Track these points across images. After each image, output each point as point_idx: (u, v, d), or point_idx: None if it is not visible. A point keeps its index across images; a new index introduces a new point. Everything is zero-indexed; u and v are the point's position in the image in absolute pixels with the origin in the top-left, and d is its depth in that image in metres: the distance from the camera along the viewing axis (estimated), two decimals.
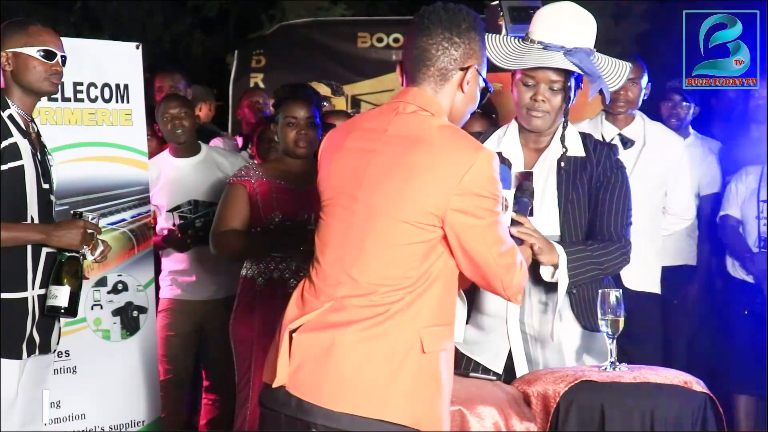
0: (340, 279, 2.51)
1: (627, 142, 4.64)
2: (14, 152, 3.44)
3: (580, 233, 3.24)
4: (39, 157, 3.55)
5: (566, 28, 3.17)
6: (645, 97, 4.73)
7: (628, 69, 3.26)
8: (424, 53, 2.55)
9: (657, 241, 4.69)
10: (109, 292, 4.53)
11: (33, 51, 3.55)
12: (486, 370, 3.25)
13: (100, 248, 3.60)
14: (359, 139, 2.59)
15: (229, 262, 4.78)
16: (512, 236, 2.85)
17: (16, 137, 3.47)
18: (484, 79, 2.63)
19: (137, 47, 4.68)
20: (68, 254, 3.49)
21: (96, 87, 4.53)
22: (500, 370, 3.24)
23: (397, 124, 2.55)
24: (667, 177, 4.68)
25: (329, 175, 2.60)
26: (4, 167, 3.41)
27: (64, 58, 3.62)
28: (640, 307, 4.52)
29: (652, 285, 4.67)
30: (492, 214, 2.51)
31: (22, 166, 3.45)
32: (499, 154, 3.26)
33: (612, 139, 4.62)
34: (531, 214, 3.09)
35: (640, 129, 4.68)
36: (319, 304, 2.52)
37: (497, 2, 5.11)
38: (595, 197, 3.26)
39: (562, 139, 3.24)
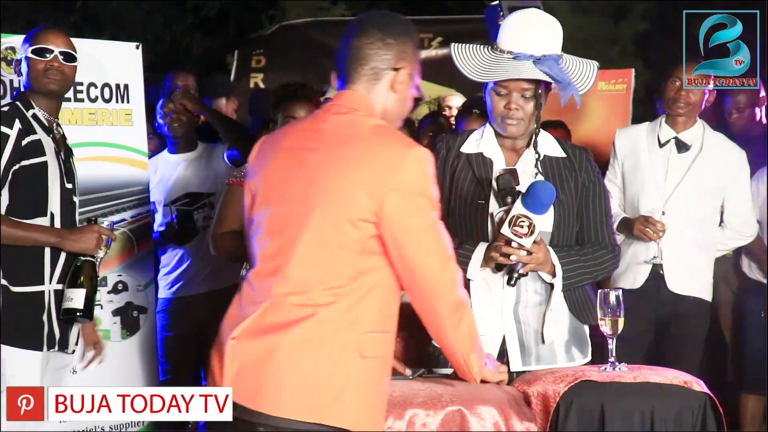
0: (275, 276, 2.53)
1: (682, 146, 4.56)
2: (37, 149, 3.52)
3: (569, 235, 3.33)
4: (63, 156, 3.60)
5: (534, 36, 3.24)
6: (707, 104, 4.62)
7: (595, 69, 3.32)
8: (358, 52, 2.62)
9: (709, 250, 4.60)
10: (109, 292, 4.54)
11: (28, 51, 3.62)
12: None
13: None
14: (295, 138, 2.63)
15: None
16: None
17: (40, 134, 3.54)
18: (417, 87, 2.69)
19: (137, 47, 4.69)
20: (84, 258, 3.58)
21: (96, 87, 4.54)
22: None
23: (332, 123, 2.60)
24: (724, 189, 4.57)
25: (265, 175, 2.63)
26: (25, 163, 3.48)
27: (66, 55, 3.64)
28: (684, 311, 4.51)
29: (702, 291, 4.57)
30: (427, 217, 2.53)
31: (45, 162, 3.52)
32: (480, 154, 3.36)
33: (667, 142, 4.56)
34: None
35: (699, 135, 4.56)
36: (256, 306, 2.53)
37: (497, 2, 5.11)
38: (583, 205, 3.35)
39: (535, 145, 3.32)
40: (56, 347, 3.59)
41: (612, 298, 3.08)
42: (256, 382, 2.48)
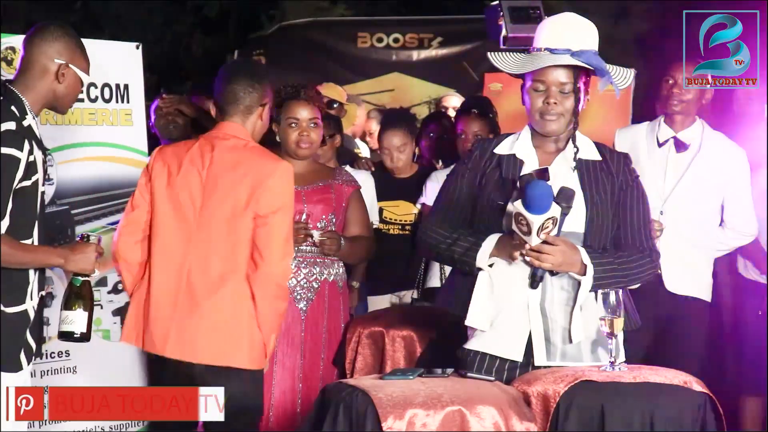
0: None
1: (681, 146, 4.56)
2: (34, 167, 3.27)
3: (604, 238, 3.27)
4: (43, 157, 3.45)
5: (570, 34, 3.26)
6: (705, 102, 4.61)
7: (631, 72, 3.36)
8: (234, 94, 3.60)
9: (708, 250, 4.59)
10: (109, 292, 4.54)
11: (86, 80, 3.47)
12: (494, 362, 3.25)
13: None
14: (192, 163, 3.56)
15: None
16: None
17: (35, 150, 3.28)
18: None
19: (137, 47, 4.69)
20: (81, 278, 3.37)
21: (96, 87, 4.54)
22: (520, 357, 3.22)
23: (220, 151, 3.55)
24: (723, 188, 4.55)
25: (171, 194, 3.58)
26: (25, 183, 3.23)
27: None
28: (684, 312, 4.50)
29: (700, 291, 4.56)
30: None
31: (38, 180, 3.29)
32: (513, 155, 3.33)
33: (666, 141, 4.55)
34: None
35: (698, 135, 4.54)
36: None
37: (497, 2, 5.11)
38: (620, 209, 3.31)
39: (573, 139, 3.30)
40: (34, 358, 3.40)
41: (612, 298, 3.08)
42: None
